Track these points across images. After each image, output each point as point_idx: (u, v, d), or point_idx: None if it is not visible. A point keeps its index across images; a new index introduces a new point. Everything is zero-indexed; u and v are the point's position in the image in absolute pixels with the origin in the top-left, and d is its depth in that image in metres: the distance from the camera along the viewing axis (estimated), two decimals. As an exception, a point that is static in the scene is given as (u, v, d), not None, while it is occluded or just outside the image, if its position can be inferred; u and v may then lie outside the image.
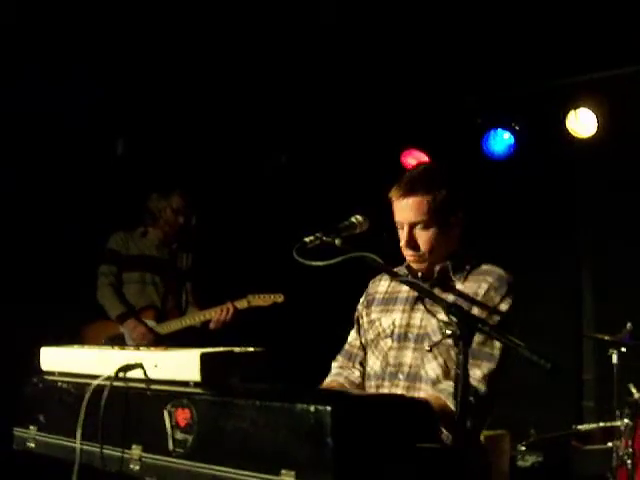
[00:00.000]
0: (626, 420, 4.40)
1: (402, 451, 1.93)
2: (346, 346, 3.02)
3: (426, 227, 2.74)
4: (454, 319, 2.07)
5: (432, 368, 2.69)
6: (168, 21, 4.82)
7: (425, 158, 5.88)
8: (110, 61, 4.90)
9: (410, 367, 2.73)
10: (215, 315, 4.66)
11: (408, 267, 2.84)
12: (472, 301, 2.68)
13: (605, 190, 5.89)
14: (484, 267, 2.82)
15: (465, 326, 2.05)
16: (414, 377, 2.71)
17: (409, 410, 2.05)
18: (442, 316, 2.64)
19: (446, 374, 2.66)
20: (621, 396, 4.49)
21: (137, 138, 5.37)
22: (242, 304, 4.62)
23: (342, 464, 1.78)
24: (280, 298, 4.50)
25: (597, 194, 5.97)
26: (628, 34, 4.94)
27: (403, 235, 2.78)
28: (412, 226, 2.75)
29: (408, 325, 2.78)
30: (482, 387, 2.61)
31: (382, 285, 2.97)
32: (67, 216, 5.07)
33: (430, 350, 2.68)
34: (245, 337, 2.76)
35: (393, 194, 2.81)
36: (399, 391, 2.73)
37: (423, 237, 2.76)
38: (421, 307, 2.77)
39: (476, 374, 2.60)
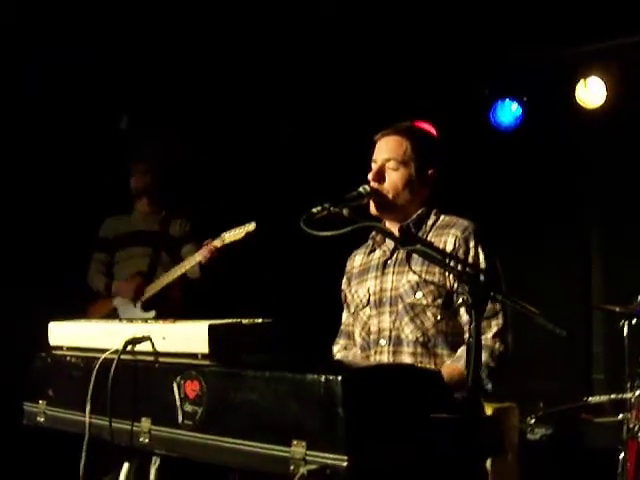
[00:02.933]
0: (637, 392, 4.38)
1: (414, 421, 1.92)
2: (342, 327, 3.04)
3: (396, 168, 2.77)
4: (466, 287, 2.05)
5: (410, 330, 2.70)
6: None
7: (432, 129, 5.83)
8: (113, 34, 4.85)
9: (390, 331, 2.73)
10: (197, 259, 4.58)
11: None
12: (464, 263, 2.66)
13: (614, 160, 5.83)
14: (446, 219, 2.81)
15: (477, 295, 2.02)
16: (396, 341, 2.72)
17: (420, 379, 2.04)
18: (412, 276, 2.69)
19: (423, 334, 2.67)
20: (632, 368, 4.47)
21: (141, 113, 5.32)
22: (217, 243, 4.54)
23: (353, 434, 1.77)
24: (252, 226, 4.42)
25: (606, 164, 5.92)
26: (638, 2, 4.86)
27: (373, 170, 2.80)
28: (384, 162, 2.78)
29: (381, 290, 2.80)
30: (497, 345, 2.62)
31: (357, 260, 2.99)
32: (69, 198, 5.05)
33: (428, 307, 2.68)
34: (253, 308, 2.74)
35: (377, 136, 2.84)
36: (384, 358, 2.74)
37: (391, 176, 2.78)
38: (391, 270, 2.79)
39: (487, 335, 2.61)
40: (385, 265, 2.82)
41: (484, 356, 2.56)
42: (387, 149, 2.80)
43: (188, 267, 4.63)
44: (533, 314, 1.94)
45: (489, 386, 2.56)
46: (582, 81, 5.57)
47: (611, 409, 4.75)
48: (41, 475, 4.46)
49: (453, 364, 2.58)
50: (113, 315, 4.75)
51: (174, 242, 4.94)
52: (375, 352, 2.78)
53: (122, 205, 5.06)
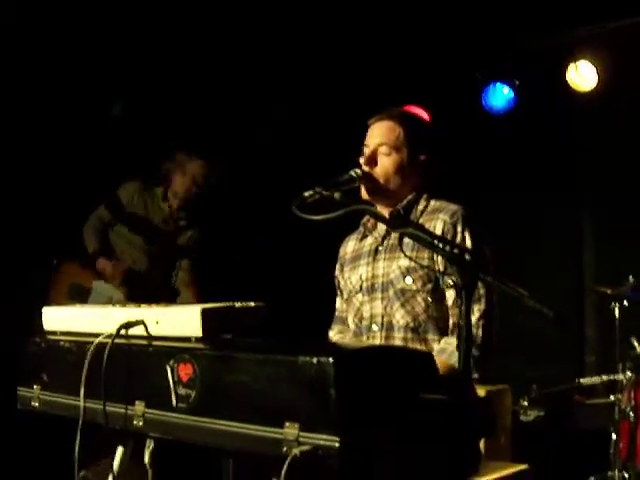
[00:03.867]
0: (629, 373, 4.41)
1: (405, 402, 1.93)
2: (337, 313, 3.06)
3: (388, 153, 2.78)
4: (455, 268, 2.06)
5: (401, 315, 2.72)
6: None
7: (424, 114, 5.84)
8: (105, 20, 4.83)
9: (382, 317, 2.75)
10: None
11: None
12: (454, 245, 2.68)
13: (607, 143, 5.85)
14: (435, 204, 2.83)
15: (466, 276, 2.03)
16: (389, 326, 2.74)
17: (412, 361, 2.05)
18: (402, 261, 2.71)
19: (414, 319, 2.70)
20: (623, 350, 4.50)
21: (134, 98, 5.29)
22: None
23: (345, 415, 1.78)
24: None
25: (598, 147, 5.94)
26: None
27: (365, 154, 2.81)
28: (377, 147, 2.80)
29: (373, 276, 2.82)
30: (479, 331, 2.63)
31: (349, 246, 3.02)
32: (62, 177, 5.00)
33: (428, 293, 2.70)
34: (245, 291, 2.75)
35: (370, 120, 2.86)
36: (377, 343, 2.76)
37: (383, 161, 2.80)
38: (382, 256, 2.81)
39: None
40: (377, 251, 2.84)
41: None
42: (380, 134, 2.82)
43: None
44: (522, 296, 1.96)
45: (475, 375, 2.56)
46: (573, 64, 5.58)
47: (603, 391, 4.78)
48: (35, 460, 4.47)
49: (437, 356, 2.58)
50: (83, 292, 4.65)
51: (176, 252, 4.91)
52: (368, 338, 2.80)
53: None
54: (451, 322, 2.69)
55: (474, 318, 2.62)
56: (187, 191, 4.84)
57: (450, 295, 2.69)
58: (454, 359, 2.51)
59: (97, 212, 4.82)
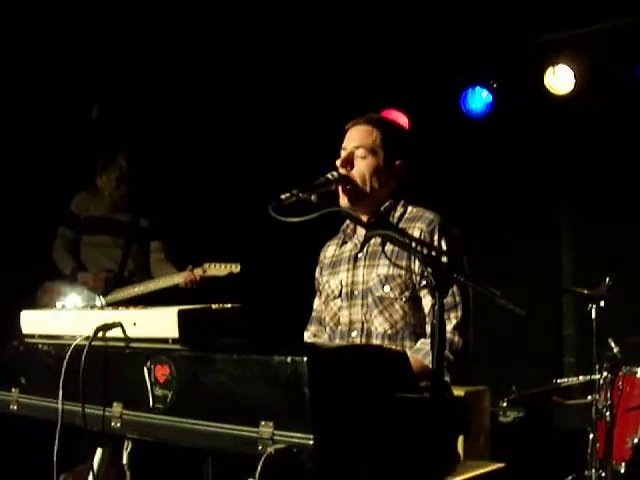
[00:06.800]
0: (605, 374, 4.45)
1: (380, 401, 1.96)
2: (314, 314, 3.08)
3: (365, 156, 2.81)
4: (429, 270, 2.09)
5: (379, 323, 2.75)
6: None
7: (404, 118, 5.87)
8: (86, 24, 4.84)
9: (362, 324, 2.78)
10: (176, 280, 4.57)
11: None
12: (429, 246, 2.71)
13: (583, 146, 5.91)
14: (413, 211, 2.85)
15: (440, 276, 2.06)
16: (368, 333, 2.77)
17: (387, 360, 2.07)
18: (381, 269, 2.74)
19: (392, 327, 2.72)
20: (600, 350, 4.54)
21: (112, 102, 5.29)
22: (198, 272, 4.54)
23: (319, 413, 1.80)
24: (237, 268, 4.42)
25: (575, 150, 6.00)
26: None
27: (342, 156, 2.84)
28: (353, 150, 2.82)
29: (353, 283, 2.84)
30: (456, 338, 2.66)
31: (329, 250, 3.05)
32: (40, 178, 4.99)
33: (405, 301, 2.72)
34: (223, 294, 2.77)
35: (348, 124, 2.89)
36: None
37: (359, 164, 2.83)
38: (362, 263, 2.84)
39: (447, 327, 2.63)
40: (356, 258, 2.86)
41: None
42: (357, 137, 2.84)
43: (163, 285, 4.61)
44: (494, 295, 1.99)
45: (447, 378, 2.59)
46: (551, 68, 5.64)
47: (581, 391, 4.82)
48: (15, 464, 4.46)
49: (412, 355, 2.60)
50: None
51: (144, 234, 4.90)
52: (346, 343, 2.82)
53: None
54: (428, 328, 2.72)
55: (450, 325, 2.66)
56: (114, 193, 4.82)
57: (427, 302, 2.73)
58: (428, 359, 2.53)
59: (59, 233, 4.87)
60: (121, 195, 4.82)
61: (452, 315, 2.69)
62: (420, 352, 2.63)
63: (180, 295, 4.52)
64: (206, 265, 4.52)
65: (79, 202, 4.88)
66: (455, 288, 2.66)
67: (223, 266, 4.47)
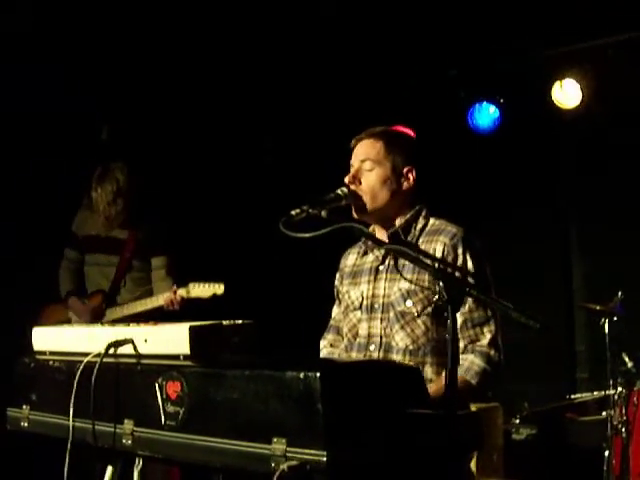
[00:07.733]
0: (619, 389, 4.41)
1: (393, 416, 1.94)
2: (332, 322, 3.04)
3: (371, 168, 2.80)
4: (441, 284, 2.07)
5: (401, 338, 2.71)
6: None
7: (410, 132, 5.87)
8: (95, 48, 4.86)
9: (381, 338, 2.75)
10: (160, 302, 4.45)
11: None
12: (441, 261, 2.69)
13: (591, 160, 5.90)
14: (435, 224, 2.82)
15: (453, 291, 2.04)
16: (387, 347, 2.74)
17: (399, 376, 2.06)
18: (403, 284, 2.71)
19: (413, 342, 2.69)
20: (614, 365, 4.51)
21: (122, 124, 5.31)
22: (182, 293, 4.41)
23: (332, 430, 1.79)
24: (220, 289, 4.31)
25: (584, 164, 5.99)
26: (611, 3, 4.93)
27: (350, 173, 2.83)
28: (360, 165, 2.81)
29: (374, 296, 2.81)
30: (492, 352, 2.65)
31: (350, 259, 3.00)
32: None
33: (428, 316, 2.69)
34: (234, 310, 2.76)
35: (352, 142, 2.88)
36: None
37: (367, 177, 2.81)
38: (383, 276, 2.80)
39: (483, 342, 2.64)
40: (377, 271, 2.83)
41: (481, 362, 2.63)
42: (362, 152, 2.83)
43: (150, 306, 4.50)
44: (506, 308, 1.97)
45: (490, 393, 2.58)
46: (558, 82, 5.64)
47: (595, 407, 4.79)
48: None
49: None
50: (65, 323, 4.56)
51: (144, 250, 4.73)
52: (363, 356, 2.79)
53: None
54: (462, 344, 2.69)
55: (486, 339, 2.65)
56: (112, 200, 4.64)
57: (459, 318, 2.67)
58: (469, 374, 2.60)
59: (64, 255, 4.85)
60: (118, 210, 4.65)
61: (486, 329, 2.67)
62: (461, 368, 2.60)
63: (190, 312, 4.51)
64: (190, 285, 4.43)
65: (78, 222, 4.83)
66: None
67: (207, 286, 4.39)
